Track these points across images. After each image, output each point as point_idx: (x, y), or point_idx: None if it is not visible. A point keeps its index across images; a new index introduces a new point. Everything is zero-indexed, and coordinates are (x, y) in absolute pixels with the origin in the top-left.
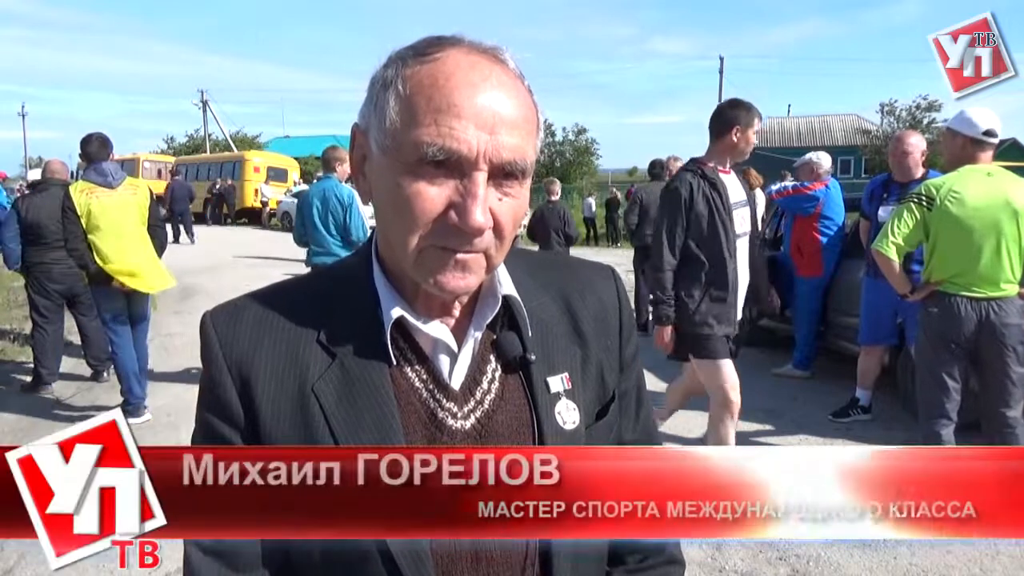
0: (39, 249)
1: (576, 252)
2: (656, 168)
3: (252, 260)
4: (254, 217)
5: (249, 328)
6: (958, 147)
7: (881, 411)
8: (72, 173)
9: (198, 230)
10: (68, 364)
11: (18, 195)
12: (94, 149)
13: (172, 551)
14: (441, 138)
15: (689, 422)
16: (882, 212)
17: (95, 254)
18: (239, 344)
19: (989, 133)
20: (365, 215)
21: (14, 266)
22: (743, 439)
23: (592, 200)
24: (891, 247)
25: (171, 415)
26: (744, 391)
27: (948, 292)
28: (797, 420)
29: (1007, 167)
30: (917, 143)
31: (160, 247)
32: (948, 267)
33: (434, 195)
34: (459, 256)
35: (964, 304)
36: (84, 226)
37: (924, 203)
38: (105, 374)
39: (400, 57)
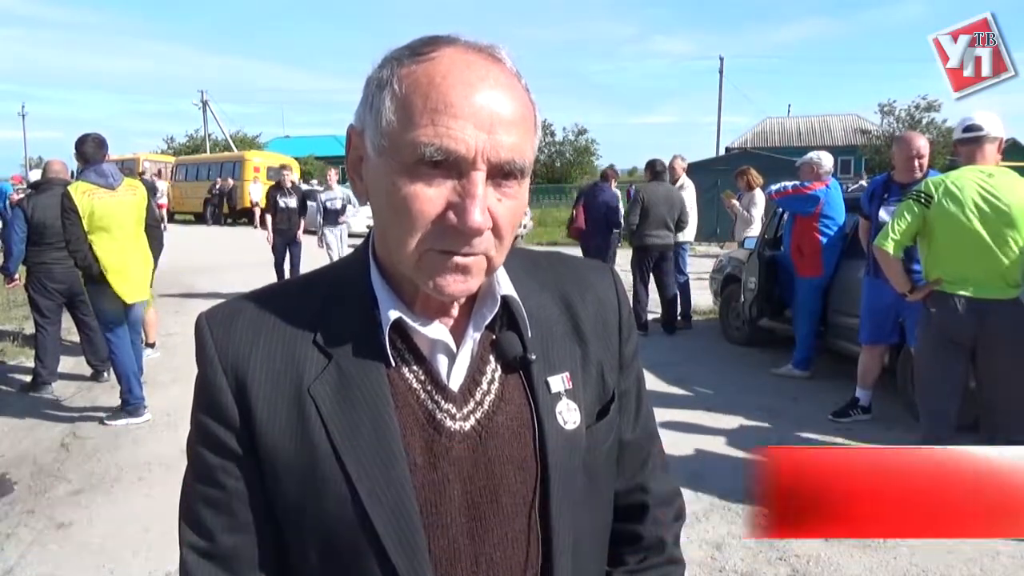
0: (41, 249)
1: (576, 252)
2: (658, 167)
3: (252, 260)
4: (254, 217)
5: (245, 329)
6: (956, 154)
7: (881, 411)
8: (72, 173)
9: (198, 230)
10: (68, 364)
11: (21, 195)
12: (90, 150)
13: (172, 551)
14: (438, 138)
15: (685, 423)
16: (883, 213)
17: (95, 255)
18: (234, 346)
19: (969, 129)
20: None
21: (13, 269)
22: (742, 439)
23: None
24: (890, 243)
25: (171, 415)
26: (744, 391)
27: (947, 292)
28: (797, 420)
29: (1009, 167)
30: (925, 146)
31: (158, 247)
32: (946, 266)
33: (432, 196)
34: (459, 259)
35: (963, 304)
36: (86, 227)
37: (923, 200)
38: (105, 374)
39: (395, 57)
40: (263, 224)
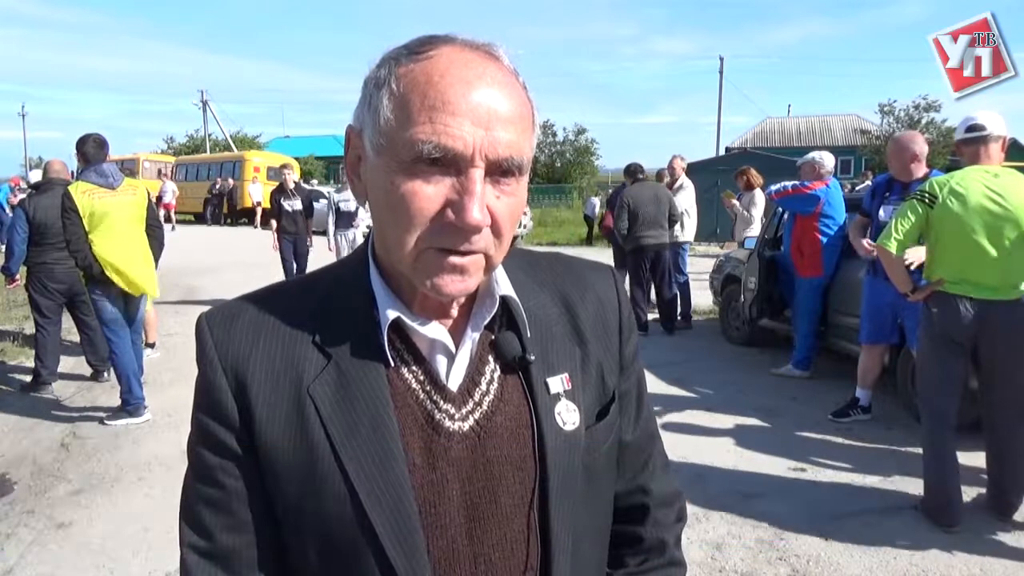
0: (42, 249)
1: (576, 252)
2: (632, 168)
3: (252, 261)
4: (254, 217)
5: (244, 330)
6: (959, 154)
7: (881, 411)
8: (72, 173)
9: (198, 230)
10: (68, 364)
11: (22, 196)
12: (91, 150)
13: (172, 551)
14: (436, 135)
15: (685, 423)
16: (882, 212)
17: (96, 255)
18: (234, 346)
19: (972, 128)
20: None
21: (15, 269)
22: (742, 439)
23: (596, 200)
24: (893, 243)
25: (171, 415)
26: (744, 391)
27: (950, 292)
28: (797, 420)
29: (1011, 167)
30: (910, 143)
31: (159, 246)
32: (950, 266)
33: (430, 194)
34: (457, 259)
35: (966, 305)
36: (86, 227)
37: (927, 200)
38: (105, 374)
39: (393, 57)
40: (264, 224)
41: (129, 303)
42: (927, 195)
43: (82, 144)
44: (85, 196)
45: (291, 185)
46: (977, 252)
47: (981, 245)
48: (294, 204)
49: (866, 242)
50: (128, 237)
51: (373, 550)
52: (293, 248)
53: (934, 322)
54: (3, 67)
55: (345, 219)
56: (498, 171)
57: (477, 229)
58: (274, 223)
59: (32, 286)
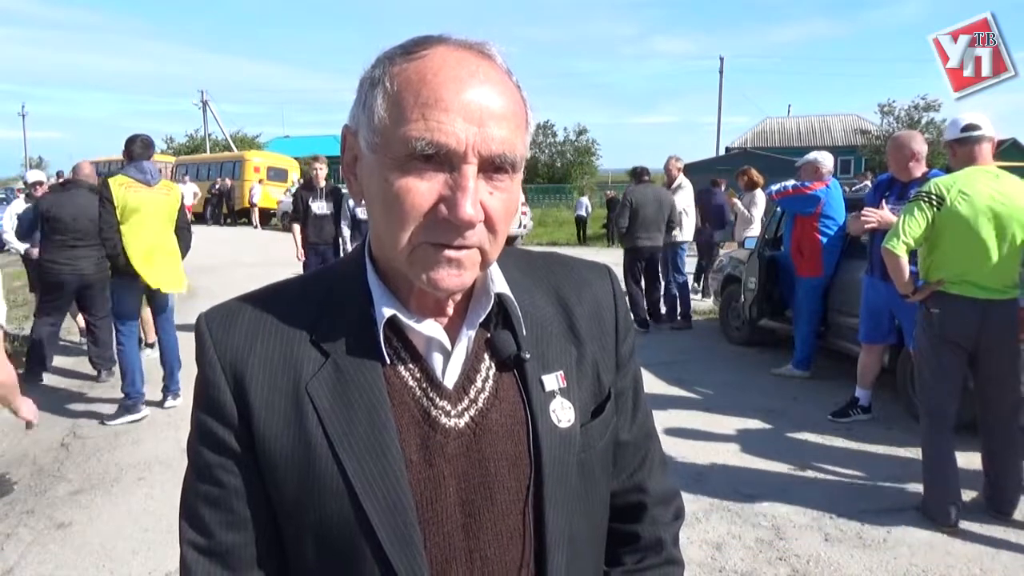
0: (52, 244)
1: (573, 252)
2: (638, 171)
3: (253, 260)
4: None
5: (243, 329)
6: (951, 154)
7: (881, 411)
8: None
9: (198, 229)
10: (69, 363)
11: (39, 193)
12: (138, 149)
13: (172, 551)
14: (429, 132)
15: (685, 423)
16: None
17: (123, 247)
18: (233, 345)
19: (968, 128)
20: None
21: (28, 243)
22: (742, 439)
23: (586, 200)
24: (901, 245)
25: (171, 414)
26: (744, 391)
27: (950, 293)
28: (797, 420)
29: (1007, 167)
30: (908, 142)
31: (185, 249)
32: (951, 267)
33: (424, 190)
34: (452, 253)
35: (967, 305)
36: (119, 218)
37: (934, 202)
38: (104, 374)
39: (387, 56)
40: (264, 224)
41: (153, 295)
42: (933, 197)
43: (130, 143)
44: (121, 188)
45: (322, 184)
46: (980, 253)
47: (985, 246)
48: (323, 207)
49: (865, 210)
50: (156, 233)
51: (371, 546)
52: (322, 261)
53: (933, 323)
54: (3, 67)
55: (364, 228)
56: (491, 167)
57: (470, 224)
58: (297, 229)
59: (41, 282)
